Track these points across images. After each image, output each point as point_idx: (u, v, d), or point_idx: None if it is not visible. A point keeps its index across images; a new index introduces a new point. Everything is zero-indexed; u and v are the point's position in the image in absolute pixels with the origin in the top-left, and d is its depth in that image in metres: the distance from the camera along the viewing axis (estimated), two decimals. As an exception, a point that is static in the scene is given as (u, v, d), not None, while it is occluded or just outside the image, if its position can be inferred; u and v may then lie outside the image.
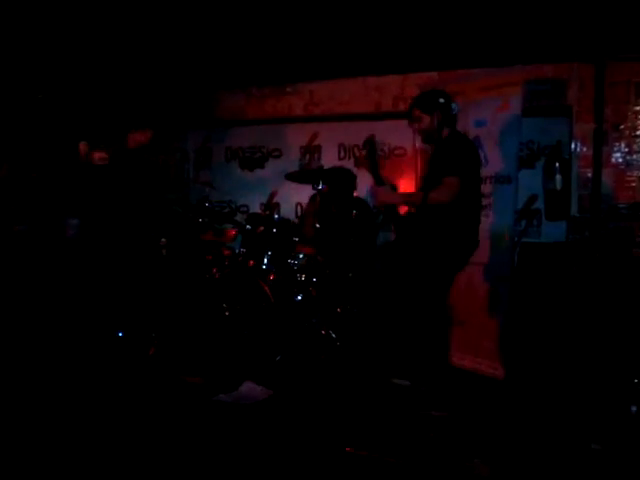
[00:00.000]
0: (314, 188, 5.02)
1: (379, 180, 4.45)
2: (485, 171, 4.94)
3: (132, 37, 5.80)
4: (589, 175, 4.92)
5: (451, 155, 4.08)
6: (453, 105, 4.04)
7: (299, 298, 4.76)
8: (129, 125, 5.22)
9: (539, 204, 4.75)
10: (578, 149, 4.92)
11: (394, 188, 4.83)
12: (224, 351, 4.57)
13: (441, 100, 4.15)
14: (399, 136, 5.82)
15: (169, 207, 6.00)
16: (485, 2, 4.93)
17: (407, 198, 4.52)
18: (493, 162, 4.95)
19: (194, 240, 5.48)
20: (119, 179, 4.93)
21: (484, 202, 4.92)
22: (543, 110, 4.87)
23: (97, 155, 4.62)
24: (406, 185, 5.71)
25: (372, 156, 4.68)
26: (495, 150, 4.95)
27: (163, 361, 4.72)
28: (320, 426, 3.65)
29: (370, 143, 4.78)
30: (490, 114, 5.00)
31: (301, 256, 4.85)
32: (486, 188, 4.96)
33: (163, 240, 5.70)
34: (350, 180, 5.18)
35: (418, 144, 5.46)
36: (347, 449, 3.32)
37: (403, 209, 4.50)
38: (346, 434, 3.50)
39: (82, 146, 4.71)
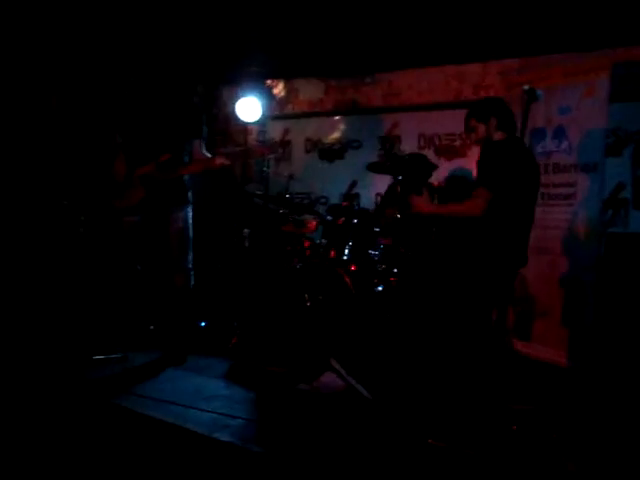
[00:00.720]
0: (394, 178, 5.01)
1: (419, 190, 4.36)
2: (569, 159, 4.84)
3: (217, 30, 5.91)
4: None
5: (488, 164, 3.87)
6: (537, 94, 3.89)
7: (380, 289, 4.77)
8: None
9: (626, 193, 4.62)
10: (669, 134, 4.74)
11: (432, 191, 4.73)
12: (305, 341, 4.62)
13: (496, 106, 4.08)
14: (480, 125, 5.74)
15: (251, 199, 6.12)
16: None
17: (443, 209, 4.25)
18: (578, 150, 4.83)
19: (275, 231, 5.56)
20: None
21: (569, 191, 4.82)
22: (631, 94, 4.70)
23: (219, 161, 4.68)
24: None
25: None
26: (580, 137, 4.82)
27: (245, 350, 4.82)
28: (401, 416, 3.66)
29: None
30: (575, 100, 4.86)
31: (382, 247, 4.85)
32: (570, 177, 4.85)
33: (245, 231, 5.83)
34: (429, 168, 5.14)
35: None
36: (429, 440, 3.33)
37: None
38: (427, 425, 3.50)
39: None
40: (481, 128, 4.09)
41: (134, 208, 4.69)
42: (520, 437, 3.39)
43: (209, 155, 4.79)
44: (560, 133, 4.94)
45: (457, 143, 5.86)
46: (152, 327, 5.50)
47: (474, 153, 5.72)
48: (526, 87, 3.81)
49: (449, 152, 5.90)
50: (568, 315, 4.79)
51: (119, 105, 5.08)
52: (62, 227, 5.39)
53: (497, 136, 4.05)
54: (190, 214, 4.83)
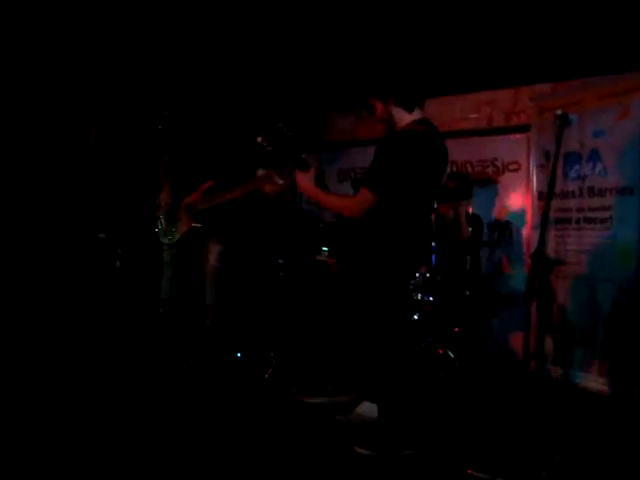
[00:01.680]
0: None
1: (303, 163, 3.66)
2: (605, 182, 4.78)
3: (247, 65, 6.01)
4: None
5: (380, 161, 3.39)
6: (570, 120, 3.80)
7: (415, 317, 4.74)
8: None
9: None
10: None
11: (322, 176, 4.30)
12: (341, 371, 4.60)
13: (398, 81, 3.54)
14: (513, 151, 5.75)
15: (285, 229, 6.15)
16: (601, 6, 4.77)
17: (322, 197, 3.70)
18: (613, 173, 4.77)
19: (309, 261, 5.57)
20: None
21: (605, 215, 4.76)
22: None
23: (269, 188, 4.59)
24: (521, 201, 5.60)
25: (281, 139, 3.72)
26: (615, 160, 4.77)
27: (280, 381, 4.81)
28: (440, 445, 3.62)
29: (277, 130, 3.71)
30: (609, 123, 4.82)
31: (417, 275, 4.84)
32: (607, 201, 4.79)
33: (280, 261, 5.85)
34: (469, 191, 5.13)
35: (533, 159, 5.35)
36: (468, 471, 3.27)
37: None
38: (466, 454, 3.45)
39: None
40: (379, 107, 3.57)
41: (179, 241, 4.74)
42: (561, 467, 3.32)
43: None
44: (595, 156, 4.89)
45: (490, 170, 5.85)
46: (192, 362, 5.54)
47: (507, 179, 5.72)
48: (559, 112, 3.78)
49: (482, 179, 5.88)
50: (608, 341, 4.70)
51: (162, 140, 5.16)
52: (98, 260, 5.48)
53: (401, 123, 3.54)
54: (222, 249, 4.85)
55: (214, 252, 4.77)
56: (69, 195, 5.53)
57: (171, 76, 5.84)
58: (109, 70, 5.68)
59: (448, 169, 5.84)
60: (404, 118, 3.54)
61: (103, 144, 5.92)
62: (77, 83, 5.52)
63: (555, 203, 4.79)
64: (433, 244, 4.73)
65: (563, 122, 3.77)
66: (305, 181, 3.63)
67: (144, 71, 5.81)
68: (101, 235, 5.47)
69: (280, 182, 4.28)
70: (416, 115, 3.57)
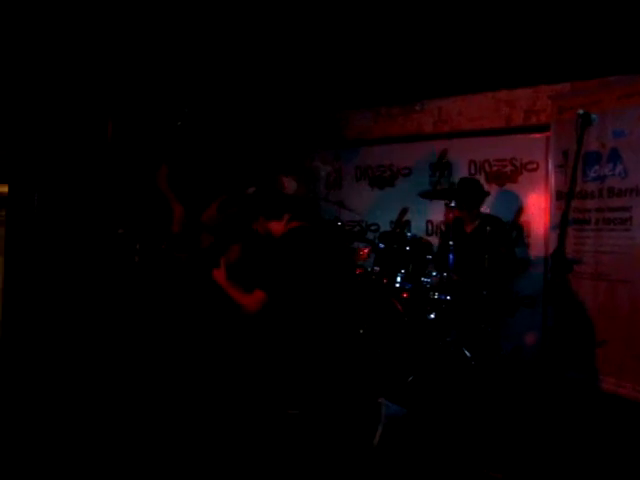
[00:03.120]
0: (447, 205, 5.00)
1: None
2: (625, 183, 4.74)
3: (267, 63, 6.00)
4: None
5: (268, 262, 3.67)
6: (592, 119, 3.77)
7: (432, 316, 4.74)
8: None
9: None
10: None
11: None
12: (357, 368, 4.60)
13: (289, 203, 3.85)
14: (531, 150, 5.71)
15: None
16: (621, 5, 4.73)
17: (231, 290, 3.79)
18: (634, 174, 4.74)
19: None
20: None
21: (624, 215, 4.73)
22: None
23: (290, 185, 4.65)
24: (540, 201, 5.58)
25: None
26: (635, 161, 4.73)
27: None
28: (456, 445, 3.61)
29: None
30: (630, 123, 4.77)
31: (434, 274, 4.83)
32: (626, 201, 4.75)
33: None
34: (481, 195, 5.12)
35: (551, 159, 5.32)
36: (484, 471, 3.27)
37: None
38: (482, 455, 3.45)
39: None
40: (274, 225, 3.84)
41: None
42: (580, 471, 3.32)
43: None
44: (615, 157, 4.86)
45: (508, 169, 5.82)
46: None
47: (525, 179, 5.70)
48: (580, 111, 3.76)
49: (500, 178, 5.86)
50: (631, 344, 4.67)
51: (179, 139, 5.15)
52: (117, 255, 5.48)
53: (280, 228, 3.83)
54: None
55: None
56: (88, 189, 5.52)
57: (192, 73, 5.85)
58: (130, 62, 5.67)
59: (466, 172, 5.95)
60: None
61: (121, 137, 5.90)
62: (97, 74, 5.50)
63: (574, 203, 4.75)
64: (451, 243, 4.72)
65: (584, 121, 3.75)
66: (221, 276, 3.82)
67: (166, 66, 5.80)
68: (120, 230, 5.47)
69: None
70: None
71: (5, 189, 5.32)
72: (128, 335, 5.19)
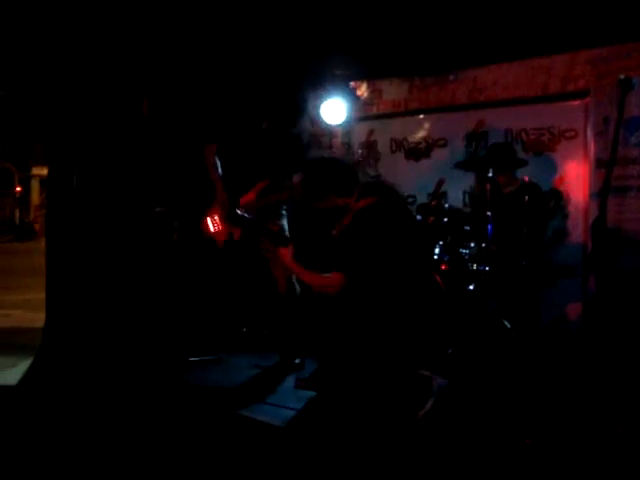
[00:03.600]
0: (482, 175, 4.96)
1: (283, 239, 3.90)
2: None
3: (304, 35, 5.97)
4: None
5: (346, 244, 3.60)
6: (633, 83, 3.69)
7: (471, 288, 4.72)
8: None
9: None
10: None
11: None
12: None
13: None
14: (569, 118, 5.62)
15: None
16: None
17: (303, 274, 3.81)
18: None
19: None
20: None
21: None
22: None
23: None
24: (578, 169, 5.50)
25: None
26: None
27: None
28: (497, 416, 3.62)
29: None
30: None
31: (472, 245, 4.81)
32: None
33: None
34: (516, 162, 5.06)
35: (591, 126, 5.23)
36: (527, 441, 3.28)
37: None
38: (524, 425, 3.45)
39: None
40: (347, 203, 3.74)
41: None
42: (626, 440, 3.29)
43: None
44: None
45: (545, 138, 5.74)
46: (245, 330, 5.62)
47: (563, 147, 5.61)
48: (621, 76, 3.70)
49: (537, 147, 5.78)
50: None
51: (214, 117, 5.14)
52: (155, 233, 5.55)
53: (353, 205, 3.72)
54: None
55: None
56: (125, 168, 5.56)
57: (224, 54, 5.84)
58: (163, 40, 5.67)
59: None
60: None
61: (157, 114, 5.91)
62: (130, 53, 5.50)
63: (615, 170, 4.66)
64: (489, 213, 4.69)
65: (626, 86, 3.68)
66: (286, 258, 3.79)
67: (199, 44, 5.80)
68: (158, 209, 5.53)
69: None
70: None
71: (45, 171, 5.40)
72: (170, 314, 5.27)
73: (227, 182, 4.76)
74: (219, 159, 4.84)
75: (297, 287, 4.69)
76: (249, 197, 4.70)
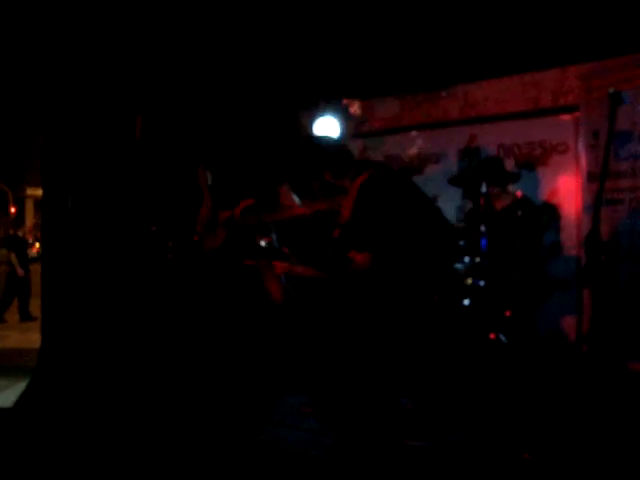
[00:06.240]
0: (472, 190, 4.98)
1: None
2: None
3: (291, 54, 6.00)
4: None
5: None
6: (623, 97, 3.71)
7: (466, 302, 4.72)
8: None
9: None
10: None
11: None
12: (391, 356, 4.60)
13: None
14: (560, 132, 5.65)
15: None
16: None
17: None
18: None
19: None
20: None
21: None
22: None
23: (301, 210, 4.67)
24: (570, 183, 5.52)
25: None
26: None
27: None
28: (494, 430, 3.62)
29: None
30: (662, 101, 4.72)
31: (467, 260, 4.81)
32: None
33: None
34: (507, 176, 5.09)
35: (582, 140, 5.26)
36: (525, 455, 3.27)
37: None
38: (521, 439, 3.45)
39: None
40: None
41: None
42: (622, 451, 3.29)
43: (297, 201, 4.65)
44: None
45: (537, 152, 5.77)
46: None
47: (555, 161, 5.65)
48: (611, 90, 3.72)
49: (529, 161, 5.81)
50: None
51: (208, 136, 5.15)
52: (150, 253, 5.53)
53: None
54: None
55: None
56: (119, 188, 5.56)
57: (219, 70, 5.86)
58: (157, 60, 5.67)
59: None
60: None
61: (150, 134, 5.91)
62: (124, 73, 5.51)
63: (606, 184, 4.69)
64: (483, 228, 4.70)
65: (615, 100, 3.70)
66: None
67: (194, 63, 5.82)
68: (153, 228, 5.52)
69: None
70: None
71: (39, 192, 5.41)
72: (165, 331, 5.25)
73: (217, 193, 4.80)
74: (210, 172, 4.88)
75: (292, 295, 4.71)
76: (235, 212, 4.71)
